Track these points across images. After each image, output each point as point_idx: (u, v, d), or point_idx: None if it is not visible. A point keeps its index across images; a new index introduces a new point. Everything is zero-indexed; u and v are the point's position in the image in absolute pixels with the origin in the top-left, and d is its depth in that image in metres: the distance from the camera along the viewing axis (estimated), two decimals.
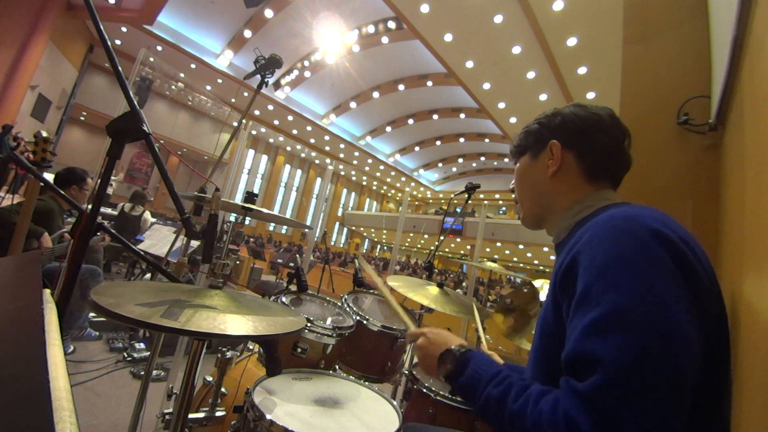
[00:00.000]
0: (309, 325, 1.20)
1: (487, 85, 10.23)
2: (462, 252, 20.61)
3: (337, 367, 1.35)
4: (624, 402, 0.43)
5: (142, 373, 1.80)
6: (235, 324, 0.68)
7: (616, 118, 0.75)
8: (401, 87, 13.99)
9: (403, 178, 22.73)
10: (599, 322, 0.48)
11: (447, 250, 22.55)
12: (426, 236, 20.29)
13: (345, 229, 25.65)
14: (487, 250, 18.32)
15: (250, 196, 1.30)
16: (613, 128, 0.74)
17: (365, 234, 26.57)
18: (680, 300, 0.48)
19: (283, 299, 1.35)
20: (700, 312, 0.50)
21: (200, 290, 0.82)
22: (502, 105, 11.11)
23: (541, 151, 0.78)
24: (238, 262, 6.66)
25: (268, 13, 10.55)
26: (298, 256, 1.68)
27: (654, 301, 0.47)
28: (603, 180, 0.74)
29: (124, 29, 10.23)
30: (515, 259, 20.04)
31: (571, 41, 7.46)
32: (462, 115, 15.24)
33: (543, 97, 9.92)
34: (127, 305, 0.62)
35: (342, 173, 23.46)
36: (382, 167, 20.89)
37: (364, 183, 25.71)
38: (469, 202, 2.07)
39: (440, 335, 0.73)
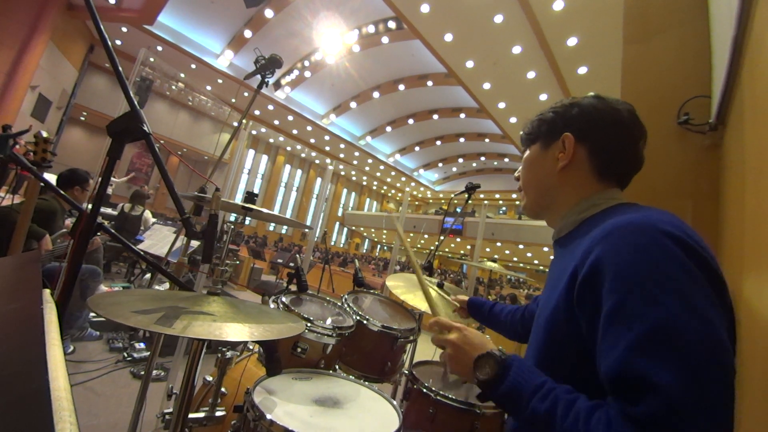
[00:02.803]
0: (309, 325, 1.20)
1: (487, 85, 10.23)
2: (462, 252, 20.61)
3: (337, 367, 1.35)
4: (684, 427, 0.41)
5: (142, 373, 1.80)
6: (232, 331, 0.68)
7: (636, 116, 0.71)
8: (401, 87, 14.00)
9: (403, 178, 22.74)
10: (645, 340, 0.46)
11: (447, 250, 22.56)
12: (426, 236, 20.29)
13: (345, 229, 25.65)
14: (487, 250, 18.32)
15: (250, 196, 1.30)
16: (631, 126, 0.70)
17: (365, 234, 26.58)
18: (714, 309, 0.48)
19: (283, 299, 1.35)
20: (726, 317, 0.50)
21: (198, 297, 0.82)
22: (502, 105, 11.11)
23: (553, 142, 0.75)
24: (238, 262, 6.66)
25: (268, 13, 10.56)
26: (298, 256, 1.68)
27: (696, 315, 0.46)
28: (612, 178, 0.72)
29: (124, 29, 10.24)
30: (515, 259, 20.05)
31: (571, 41, 7.46)
32: (462, 115, 15.25)
33: (543, 97, 9.92)
34: (125, 313, 0.62)
35: (342, 173, 23.46)
36: (382, 167, 20.90)
37: (364, 183, 25.71)
38: (469, 202, 2.07)
39: (478, 335, 0.68)
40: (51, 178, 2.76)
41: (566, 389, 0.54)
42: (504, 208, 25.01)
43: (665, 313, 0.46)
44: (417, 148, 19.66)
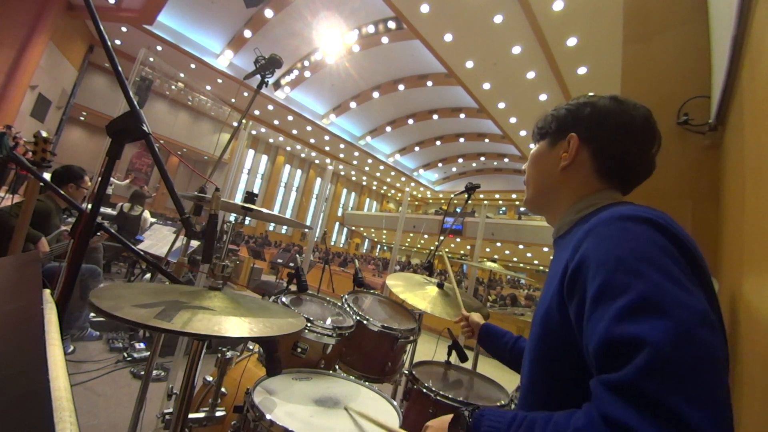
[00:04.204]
0: (309, 325, 1.20)
1: (487, 85, 10.23)
2: (462, 252, 20.61)
3: (337, 367, 1.35)
4: (676, 381, 0.38)
5: (142, 373, 1.80)
6: (232, 326, 0.67)
7: (650, 122, 0.70)
8: (401, 87, 14.00)
9: (403, 178, 22.73)
10: (630, 308, 0.45)
11: (447, 250, 22.57)
12: (426, 236, 20.29)
13: (345, 229, 25.65)
14: (487, 250, 18.32)
15: (250, 196, 1.30)
16: (642, 133, 0.70)
17: (365, 234, 26.58)
18: (697, 286, 0.48)
19: (283, 299, 1.35)
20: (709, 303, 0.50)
21: (199, 291, 0.82)
22: (502, 105, 11.11)
23: (560, 141, 0.75)
24: (238, 262, 6.66)
25: (268, 13, 10.55)
26: (298, 256, 1.68)
27: (680, 286, 0.46)
28: (614, 182, 0.72)
29: (124, 29, 10.23)
30: (515, 259, 20.05)
31: (571, 41, 7.46)
32: (462, 115, 15.25)
33: (543, 97, 9.93)
34: (125, 307, 0.62)
35: (342, 173, 23.46)
36: (382, 167, 20.90)
37: (364, 183, 25.71)
38: (469, 202, 2.07)
39: (443, 419, 0.68)
40: (47, 177, 2.75)
41: (540, 413, 0.54)
42: (504, 208, 25.01)
43: (649, 284, 0.46)
44: (417, 148, 19.66)
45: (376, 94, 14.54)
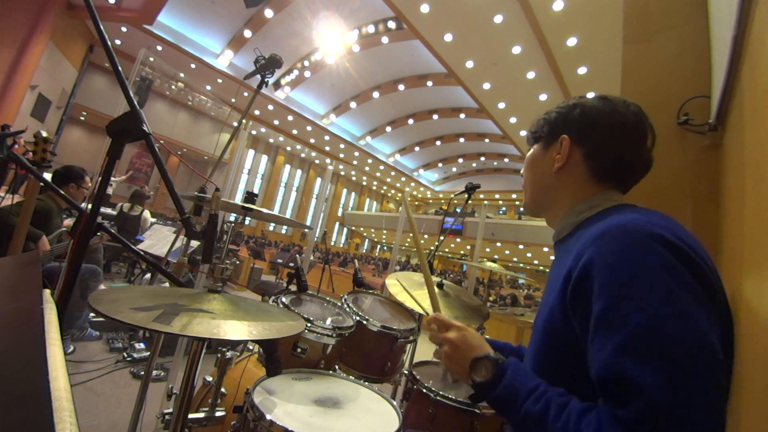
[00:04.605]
0: (309, 325, 1.20)
1: (487, 85, 10.23)
2: (462, 252, 20.61)
3: (337, 367, 1.35)
4: (668, 429, 0.42)
5: (142, 373, 1.80)
6: (231, 329, 0.67)
7: (641, 119, 0.70)
8: (401, 87, 14.00)
9: (403, 178, 22.73)
10: (630, 343, 0.47)
11: (447, 250, 22.56)
12: (426, 236, 20.29)
13: (345, 229, 25.65)
14: (487, 250, 18.32)
15: (250, 196, 1.30)
16: (634, 130, 0.69)
17: (365, 234, 26.58)
18: (704, 310, 0.48)
19: (283, 299, 1.35)
20: (717, 318, 0.51)
21: (199, 294, 0.81)
22: (502, 105, 11.11)
23: (552, 143, 0.75)
24: (238, 263, 6.66)
25: (268, 13, 10.56)
26: (298, 256, 1.68)
27: (683, 318, 0.46)
28: (611, 181, 0.71)
29: (124, 29, 10.23)
30: (515, 259, 20.05)
31: (571, 41, 7.46)
32: (462, 115, 15.25)
33: (543, 97, 9.93)
34: (124, 310, 0.62)
35: (342, 173, 23.46)
36: (382, 167, 20.90)
37: (364, 183, 25.71)
38: (469, 202, 2.07)
39: (477, 336, 0.68)
40: (48, 176, 2.75)
41: (559, 392, 0.55)
42: (504, 208, 25.01)
43: (650, 317, 0.47)
44: (417, 148, 19.66)
45: (376, 94, 14.54)
